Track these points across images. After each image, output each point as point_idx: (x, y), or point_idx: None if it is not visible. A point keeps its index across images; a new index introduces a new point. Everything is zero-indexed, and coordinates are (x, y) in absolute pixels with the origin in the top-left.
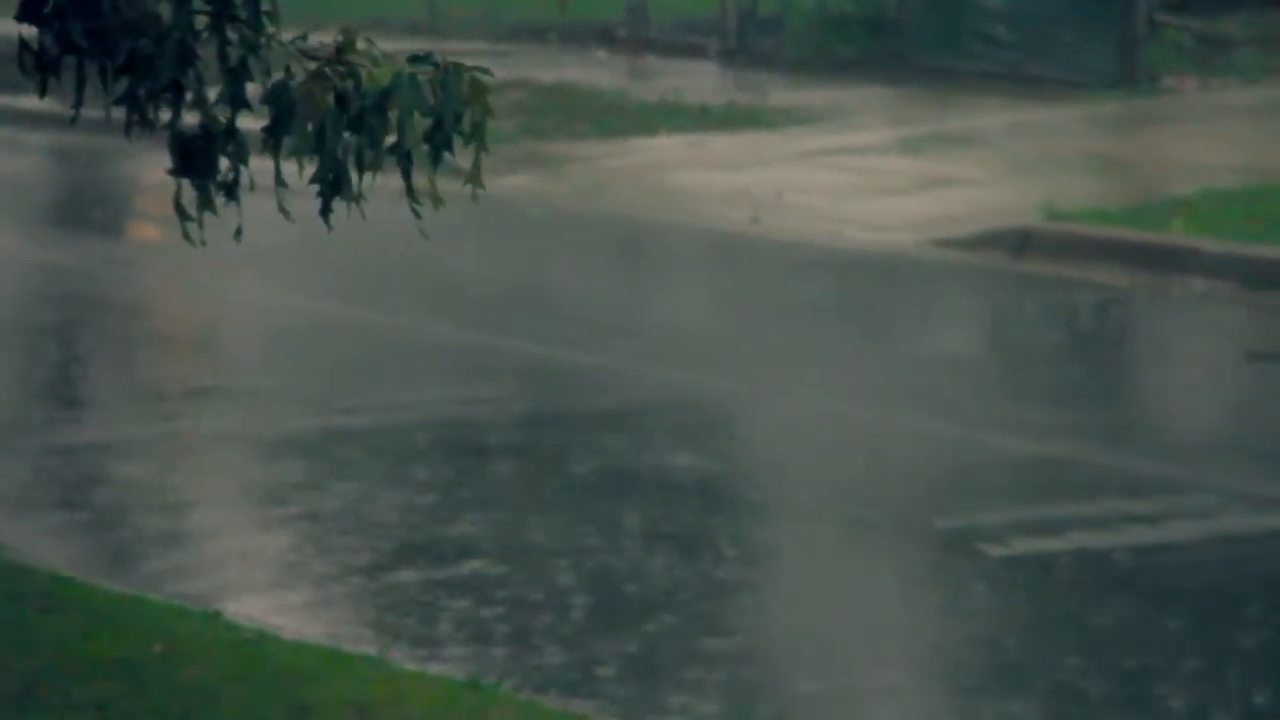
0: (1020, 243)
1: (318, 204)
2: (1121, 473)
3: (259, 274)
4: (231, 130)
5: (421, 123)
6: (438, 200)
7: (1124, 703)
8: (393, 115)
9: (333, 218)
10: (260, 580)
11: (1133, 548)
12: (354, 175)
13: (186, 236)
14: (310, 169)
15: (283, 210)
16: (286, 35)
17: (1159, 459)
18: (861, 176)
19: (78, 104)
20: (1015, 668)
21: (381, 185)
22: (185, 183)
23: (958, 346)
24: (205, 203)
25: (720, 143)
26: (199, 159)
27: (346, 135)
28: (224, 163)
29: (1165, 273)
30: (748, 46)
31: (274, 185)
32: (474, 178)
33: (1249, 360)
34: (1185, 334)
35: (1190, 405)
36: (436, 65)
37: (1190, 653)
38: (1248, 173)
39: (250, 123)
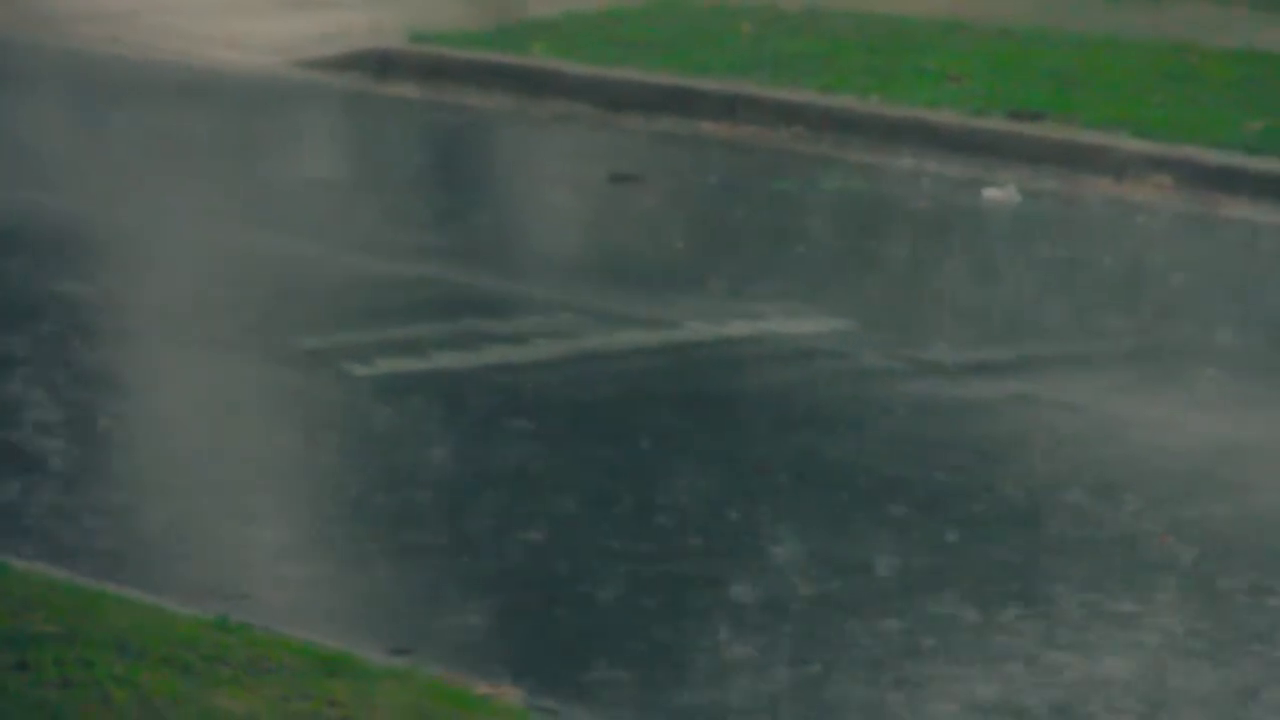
0: (383, 64)
1: None
2: (484, 293)
3: None
4: None
5: None
6: None
7: (486, 509)
8: None
9: None
10: None
11: (495, 366)
12: None
13: None
14: None
15: None
16: None
17: (521, 279)
18: None
19: None
20: (382, 484)
21: None
22: None
23: (321, 169)
24: None
25: None
26: None
27: None
28: None
29: (528, 95)
30: None
31: None
32: None
33: (609, 182)
34: (547, 156)
35: (552, 226)
36: None
37: (550, 463)
38: None
39: None
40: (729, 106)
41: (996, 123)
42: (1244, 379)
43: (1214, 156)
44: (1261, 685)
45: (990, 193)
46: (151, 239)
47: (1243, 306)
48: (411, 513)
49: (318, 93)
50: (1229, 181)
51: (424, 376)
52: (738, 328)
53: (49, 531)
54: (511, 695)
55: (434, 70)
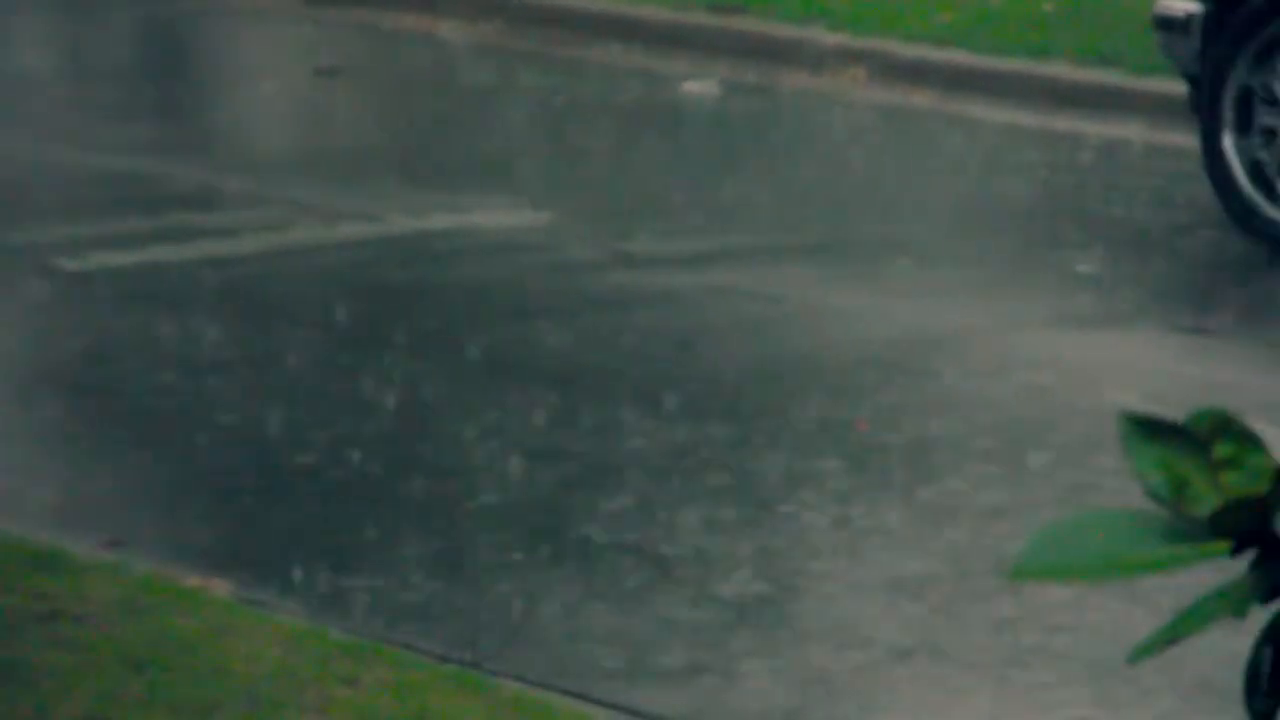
0: None
1: None
2: (192, 186)
3: None
4: None
5: None
6: None
7: (196, 401)
8: None
9: None
10: None
11: (206, 259)
12: None
13: None
14: None
15: None
16: None
17: (231, 173)
18: None
19: None
20: (93, 377)
21: None
22: None
23: (23, 61)
24: None
25: None
26: None
27: None
28: None
29: None
30: None
31: None
32: None
33: (314, 75)
34: (250, 49)
35: (260, 120)
36: None
37: (256, 355)
38: None
39: None
40: (431, 0)
41: (697, 16)
42: (935, 268)
43: (906, 49)
44: (945, 566)
45: (690, 86)
46: None
47: (933, 198)
48: (121, 406)
49: None
50: (920, 74)
51: (135, 270)
52: (440, 221)
53: None
54: (221, 588)
55: None
